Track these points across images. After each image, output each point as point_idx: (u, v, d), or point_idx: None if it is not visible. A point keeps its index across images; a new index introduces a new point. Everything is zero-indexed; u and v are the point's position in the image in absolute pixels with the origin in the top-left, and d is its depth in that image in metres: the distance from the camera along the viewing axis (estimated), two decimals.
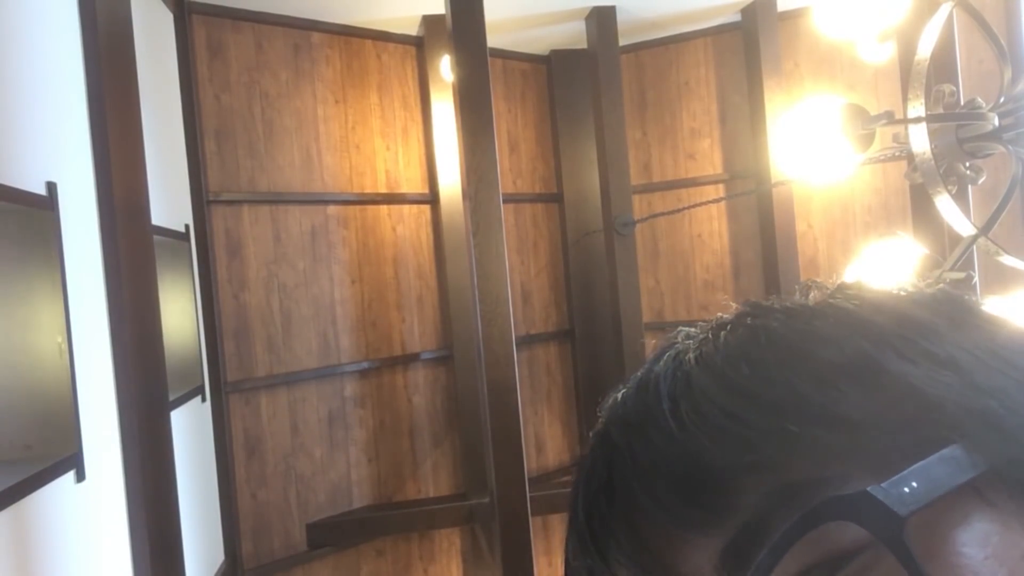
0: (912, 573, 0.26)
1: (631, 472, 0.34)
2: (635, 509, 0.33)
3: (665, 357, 0.37)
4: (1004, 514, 0.29)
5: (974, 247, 1.63)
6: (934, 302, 0.36)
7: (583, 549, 0.36)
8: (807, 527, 0.28)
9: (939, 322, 0.34)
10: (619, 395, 0.38)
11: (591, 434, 0.38)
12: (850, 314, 0.35)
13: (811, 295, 0.38)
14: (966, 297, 0.36)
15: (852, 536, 0.27)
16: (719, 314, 0.38)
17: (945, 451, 0.29)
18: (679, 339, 0.38)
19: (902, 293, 0.36)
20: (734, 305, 0.38)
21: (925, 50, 1.54)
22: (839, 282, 0.38)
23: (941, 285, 0.37)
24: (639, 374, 0.38)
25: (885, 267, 1.71)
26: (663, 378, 0.35)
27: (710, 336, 0.36)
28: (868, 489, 0.27)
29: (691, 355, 0.35)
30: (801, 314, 0.35)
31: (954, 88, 1.61)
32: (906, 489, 0.27)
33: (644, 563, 0.33)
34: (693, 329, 0.38)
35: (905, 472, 0.28)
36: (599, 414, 0.38)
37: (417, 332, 4.79)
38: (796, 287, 0.39)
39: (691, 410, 0.33)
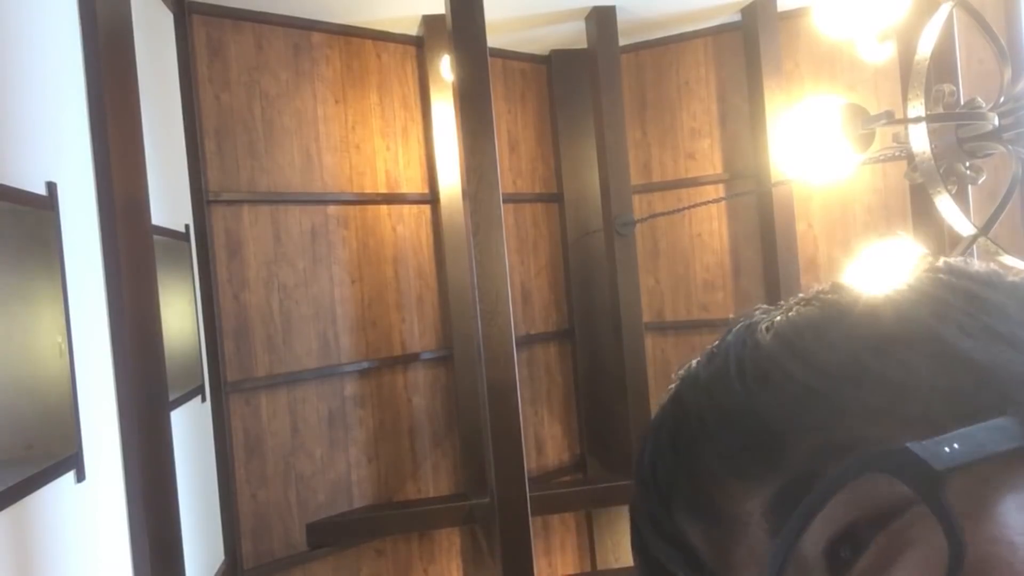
0: (946, 528, 0.26)
1: (697, 426, 0.37)
2: (697, 459, 0.36)
3: (737, 328, 0.39)
4: None
5: (974, 247, 1.63)
6: (1011, 287, 0.36)
7: (646, 495, 0.39)
8: (847, 477, 0.29)
9: (1009, 303, 0.35)
10: (693, 362, 0.40)
11: (665, 396, 0.40)
12: (922, 292, 0.36)
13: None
14: None
15: (897, 495, 0.28)
16: (799, 294, 0.40)
17: (995, 420, 0.29)
18: (755, 315, 0.40)
19: (982, 276, 0.37)
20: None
21: (925, 50, 1.54)
22: (928, 262, 0.39)
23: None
24: (713, 345, 0.40)
25: (884, 267, 1.71)
26: (733, 345, 0.38)
27: (784, 310, 0.38)
28: (907, 444, 0.28)
29: (763, 326, 0.38)
30: (875, 292, 0.37)
31: (954, 88, 1.61)
32: (947, 449, 0.28)
33: (700, 506, 0.36)
34: (770, 307, 0.41)
35: (949, 434, 0.28)
36: (673, 378, 0.41)
37: (417, 332, 4.79)
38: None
39: (756, 372, 0.35)
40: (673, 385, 0.40)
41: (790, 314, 0.37)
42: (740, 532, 0.35)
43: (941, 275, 0.37)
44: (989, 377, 0.31)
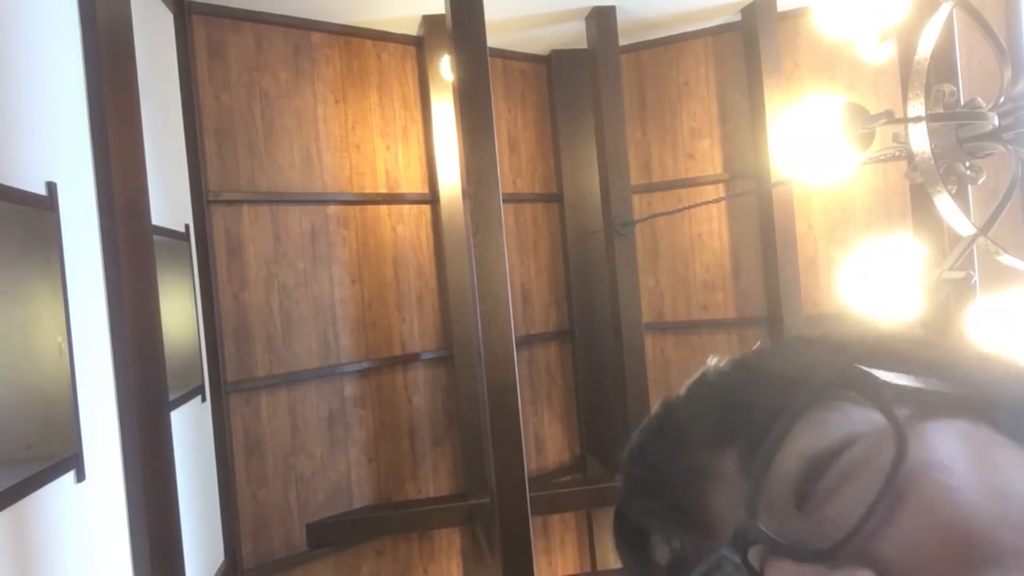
0: (890, 422, 0.33)
1: (682, 415, 0.43)
2: (681, 439, 0.42)
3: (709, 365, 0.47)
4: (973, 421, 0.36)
5: (974, 246, 1.63)
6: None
7: (637, 471, 0.44)
8: (810, 400, 0.36)
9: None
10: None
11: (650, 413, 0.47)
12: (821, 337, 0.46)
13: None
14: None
15: (846, 430, 0.35)
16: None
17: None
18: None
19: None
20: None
21: (925, 50, 1.54)
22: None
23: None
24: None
25: (881, 265, 1.71)
26: (705, 372, 0.45)
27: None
28: (855, 366, 0.36)
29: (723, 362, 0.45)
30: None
31: (954, 88, 1.61)
32: (881, 376, 0.36)
33: (686, 476, 0.41)
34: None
35: (883, 371, 0.37)
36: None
37: (417, 332, 4.79)
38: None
39: (730, 372, 0.43)
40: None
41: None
42: (719, 487, 0.39)
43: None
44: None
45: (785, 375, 0.40)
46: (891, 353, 0.40)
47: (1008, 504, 0.32)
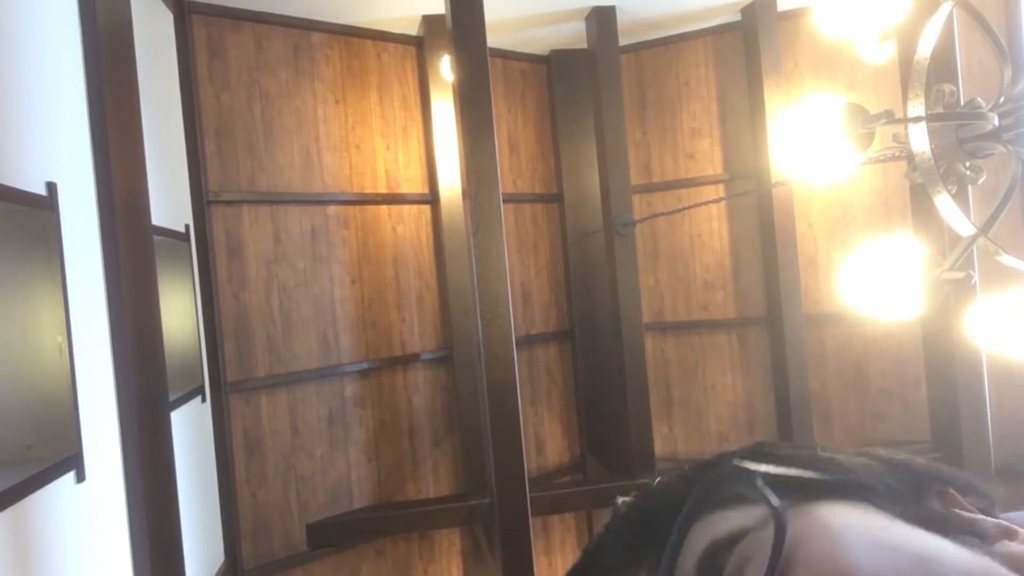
0: (773, 507, 0.37)
1: (595, 550, 0.48)
2: (596, 567, 0.47)
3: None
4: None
5: (974, 247, 1.63)
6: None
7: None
8: (701, 498, 0.40)
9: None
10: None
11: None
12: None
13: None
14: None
15: (736, 526, 0.38)
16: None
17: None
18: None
19: None
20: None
21: (925, 49, 1.54)
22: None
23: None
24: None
25: (881, 265, 1.71)
26: (616, 506, 0.49)
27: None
28: (735, 463, 0.42)
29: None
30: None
31: (954, 88, 1.61)
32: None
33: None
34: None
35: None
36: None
37: (417, 332, 4.79)
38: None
39: (632, 504, 0.48)
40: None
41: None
42: None
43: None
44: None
45: (676, 491, 0.43)
46: (772, 455, 0.44)
47: (893, 552, 0.35)
